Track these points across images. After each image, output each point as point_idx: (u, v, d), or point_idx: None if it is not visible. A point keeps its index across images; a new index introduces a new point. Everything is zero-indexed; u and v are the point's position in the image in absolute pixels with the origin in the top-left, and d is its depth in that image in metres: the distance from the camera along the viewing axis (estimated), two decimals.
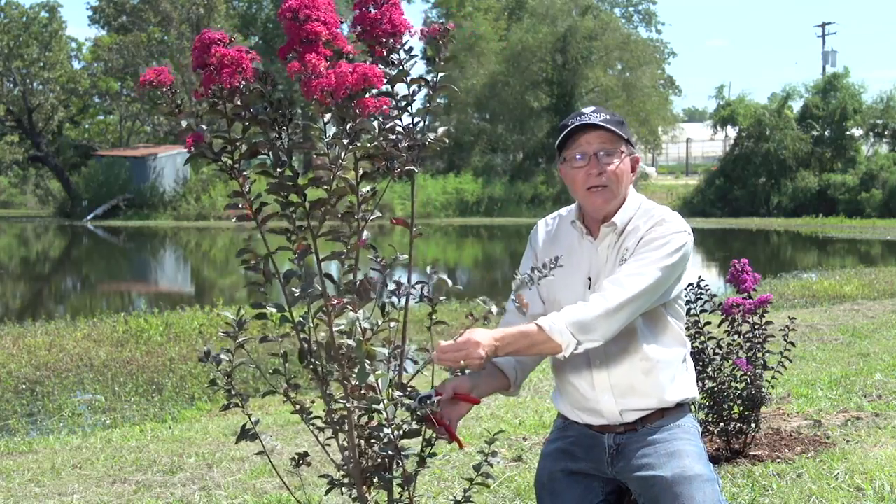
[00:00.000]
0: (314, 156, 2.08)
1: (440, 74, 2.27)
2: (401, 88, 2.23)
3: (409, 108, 2.23)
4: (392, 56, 2.18)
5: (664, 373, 2.46)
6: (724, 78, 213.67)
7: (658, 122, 43.39)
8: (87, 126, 49.47)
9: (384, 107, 2.03)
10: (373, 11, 2.15)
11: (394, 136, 2.17)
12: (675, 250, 2.38)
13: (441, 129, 2.26)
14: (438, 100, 2.29)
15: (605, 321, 2.28)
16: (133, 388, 8.08)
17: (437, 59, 2.26)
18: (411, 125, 2.23)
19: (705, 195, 36.81)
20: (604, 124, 2.42)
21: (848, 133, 36.92)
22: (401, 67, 2.19)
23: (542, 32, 40.94)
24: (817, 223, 30.80)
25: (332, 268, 2.19)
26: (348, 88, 1.96)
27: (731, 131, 39.72)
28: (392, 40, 2.15)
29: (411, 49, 2.20)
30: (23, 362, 9.01)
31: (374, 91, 2.04)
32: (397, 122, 2.19)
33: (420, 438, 2.35)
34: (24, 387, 8.20)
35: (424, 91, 2.26)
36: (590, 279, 2.46)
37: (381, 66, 2.14)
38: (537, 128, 41.53)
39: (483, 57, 41.59)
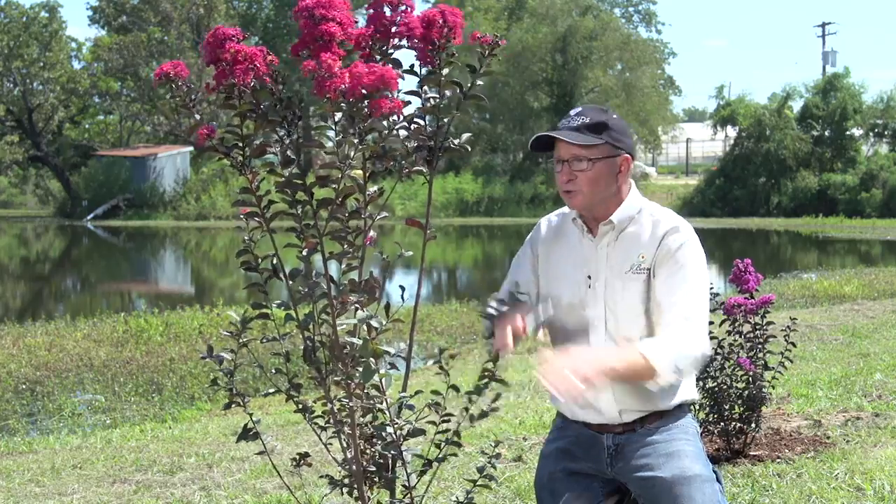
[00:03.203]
0: (317, 154, 2.09)
1: (476, 83, 2.28)
2: (407, 85, 2.24)
3: (436, 111, 2.23)
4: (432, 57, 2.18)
5: None
6: (724, 78, 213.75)
7: (658, 122, 43.39)
8: (87, 126, 49.43)
9: (398, 108, 2.03)
10: (388, 13, 2.14)
11: (405, 138, 2.17)
12: (702, 265, 2.46)
13: (465, 136, 2.28)
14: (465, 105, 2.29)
15: (696, 360, 2.39)
16: (133, 388, 8.08)
17: (476, 69, 2.26)
18: (432, 127, 2.23)
19: (705, 195, 36.81)
20: (562, 137, 2.42)
21: (848, 133, 36.91)
22: (439, 72, 2.19)
23: (542, 32, 40.94)
24: (817, 223, 30.80)
25: (332, 267, 2.19)
26: (364, 89, 1.96)
27: (731, 131, 39.72)
28: (408, 42, 2.15)
29: (453, 54, 2.20)
30: (23, 362, 9.01)
31: (396, 92, 2.04)
32: (418, 121, 2.20)
33: (421, 438, 2.35)
34: (24, 387, 8.20)
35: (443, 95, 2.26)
36: (589, 277, 2.47)
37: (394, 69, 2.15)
38: (537, 128, 41.49)
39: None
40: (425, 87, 2.23)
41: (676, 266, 2.40)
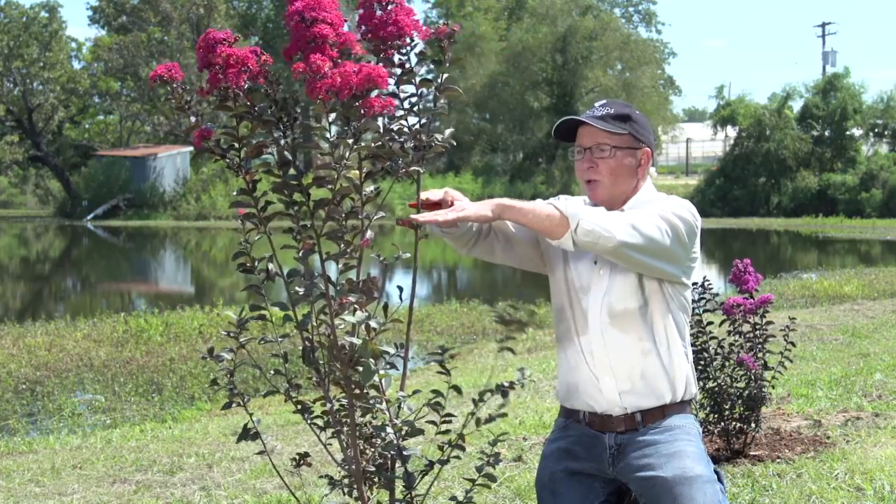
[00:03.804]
0: (317, 155, 2.08)
1: (444, 76, 2.26)
2: (406, 88, 2.23)
3: (414, 109, 2.22)
4: (400, 57, 2.17)
5: (663, 358, 2.46)
6: (724, 78, 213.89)
7: (658, 122, 43.36)
8: (87, 126, 49.46)
9: (390, 107, 2.03)
10: (378, 13, 2.14)
11: (400, 138, 2.16)
12: (680, 216, 2.45)
13: (448, 132, 2.27)
14: (442, 101, 2.28)
15: (604, 231, 2.31)
16: (133, 388, 8.09)
17: (442, 61, 2.25)
18: (417, 126, 2.22)
19: (705, 195, 36.79)
20: (588, 121, 2.48)
21: (848, 133, 36.90)
22: (409, 69, 2.18)
23: (542, 32, 40.94)
24: (817, 223, 30.79)
25: (331, 267, 2.19)
26: (353, 88, 1.96)
27: (731, 131, 39.71)
28: (398, 42, 2.14)
29: (422, 52, 2.19)
30: (23, 362, 9.02)
31: (381, 91, 2.03)
32: (403, 122, 2.19)
33: (420, 438, 2.35)
34: (24, 387, 8.21)
35: (429, 92, 2.25)
36: (595, 263, 2.49)
37: (386, 67, 2.13)
38: (537, 128, 41.53)
39: (483, 57, 41.59)
40: (401, 88, 2.23)
41: (654, 205, 2.46)
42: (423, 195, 2.36)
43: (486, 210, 2.27)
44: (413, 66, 2.19)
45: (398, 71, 2.19)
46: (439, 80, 2.25)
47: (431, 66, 2.26)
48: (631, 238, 2.32)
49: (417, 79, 2.21)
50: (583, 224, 2.28)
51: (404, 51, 2.17)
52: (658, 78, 47.53)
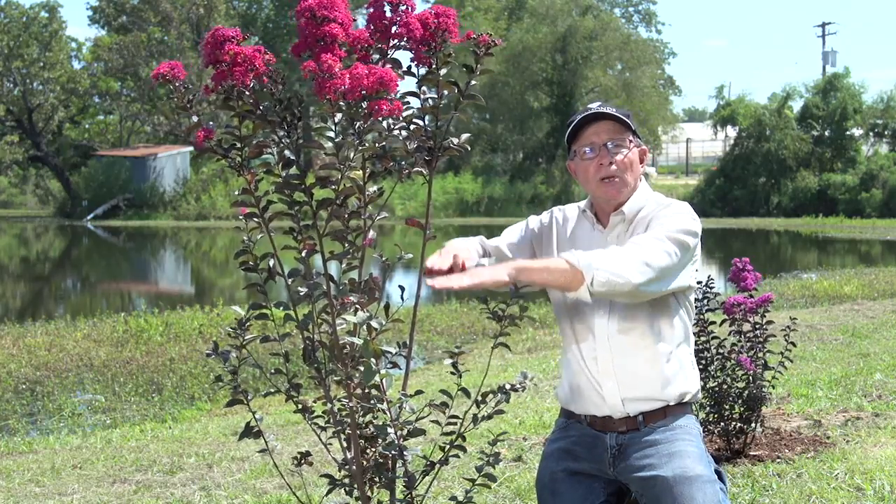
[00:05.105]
0: (318, 154, 2.08)
1: (472, 83, 2.26)
2: (406, 86, 2.23)
3: (436, 111, 2.23)
4: (430, 59, 2.17)
5: (668, 364, 2.46)
6: (724, 78, 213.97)
7: (658, 122, 43.38)
8: (87, 126, 49.46)
9: (397, 110, 2.02)
10: (388, 13, 2.13)
11: (406, 139, 2.16)
12: (686, 230, 2.42)
13: (464, 136, 2.27)
14: (463, 106, 2.28)
15: (617, 284, 2.28)
16: (133, 388, 8.08)
17: (473, 70, 2.26)
18: (432, 127, 2.22)
19: (705, 195, 36.82)
20: (611, 111, 2.49)
21: (848, 133, 36.92)
22: (436, 70, 2.18)
23: (542, 32, 40.94)
24: (817, 223, 30.79)
25: (332, 267, 2.19)
26: (363, 90, 1.96)
27: (731, 131, 39.73)
28: (407, 42, 2.14)
29: (451, 54, 2.19)
30: (23, 362, 9.01)
31: (393, 93, 2.03)
32: (418, 122, 2.20)
33: (421, 438, 2.35)
34: (24, 387, 8.20)
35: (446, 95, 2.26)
36: None
37: (394, 70, 2.13)
38: (537, 128, 41.52)
39: (483, 57, 41.54)
40: (423, 88, 2.22)
41: (657, 220, 2.44)
42: (431, 263, 2.33)
43: (502, 274, 2.24)
44: (439, 68, 2.18)
45: (423, 71, 2.19)
46: (466, 87, 2.25)
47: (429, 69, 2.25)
48: (645, 276, 2.30)
49: (440, 81, 2.21)
50: (598, 276, 2.25)
51: (438, 51, 2.16)
52: (658, 78, 47.53)
